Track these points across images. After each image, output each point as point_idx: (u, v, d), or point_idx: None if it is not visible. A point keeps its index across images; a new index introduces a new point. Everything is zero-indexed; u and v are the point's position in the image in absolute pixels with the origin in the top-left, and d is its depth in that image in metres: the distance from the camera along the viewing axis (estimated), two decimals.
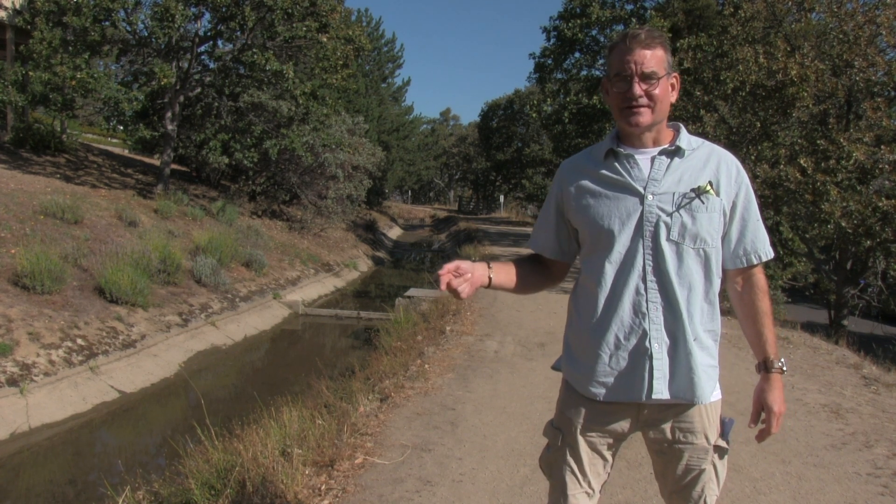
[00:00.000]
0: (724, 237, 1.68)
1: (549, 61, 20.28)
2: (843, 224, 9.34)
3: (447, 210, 51.84)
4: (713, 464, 1.69)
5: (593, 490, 1.74)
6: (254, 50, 14.09)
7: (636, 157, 1.67)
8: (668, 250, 1.61)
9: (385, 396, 4.82)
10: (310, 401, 4.97)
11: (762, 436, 1.72)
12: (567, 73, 20.33)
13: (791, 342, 7.30)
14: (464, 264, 1.63)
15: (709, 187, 1.62)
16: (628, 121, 1.63)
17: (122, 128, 16.52)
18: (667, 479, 1.75)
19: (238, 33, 14.68)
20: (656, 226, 1.61)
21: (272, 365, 10.09)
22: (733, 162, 1.68)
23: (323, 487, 3.23)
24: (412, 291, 11.47)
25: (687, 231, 1.61)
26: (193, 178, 19.56)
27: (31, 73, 12.44)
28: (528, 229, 24.99)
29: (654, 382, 1.61)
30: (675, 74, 1.68)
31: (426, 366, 5.63)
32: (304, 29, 14.42)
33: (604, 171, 1.69)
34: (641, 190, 1.63)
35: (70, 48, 12.63)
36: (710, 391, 1.66)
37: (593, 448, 1.72)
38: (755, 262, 1.70)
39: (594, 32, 19.15)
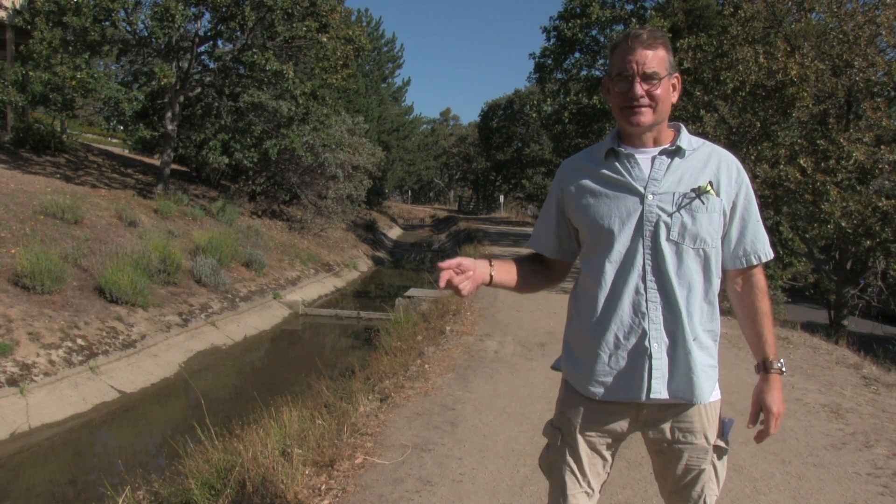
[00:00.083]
0: (724, 238, 1.68)
1: (549, 61, 20.29)
2: (843, 224, 9.34)
3: (447, 210, 51.84)
4: (713, 464, 1.69)
5: (593, 490, 1.74)
6: (254, 50, 14.09)
7: (637, 156, 1.67)
8: (667, 250, 1.61)
9: (385, 396, 4.82)
10: (310, 401, 4.97)
11: (761, 436, 1.72)
12: (567, 73, 20.34)
13: (791, 342, 7.30)
14: (465, 261, 1.62)
15: (709, 187, 1.62)
16: (629, 120, 1.63)
17: (122, 128, 16.52)
18: (666, 479, 1.75)
19: (238, 33, 14.68)
20: (656, 225, 1.61)
21: (272, 365, 10.09)
22: (734, 162, 1.68)
23: (323, 487, 3.23)
24: (412, 291, 11.47)
25: (687, 231, 1.61)
26: (193, 178, 19.57)
27: (31, 73, 12.44)
28: (528, 229, 24.99)
29: (653, 382, 1.61)
30: (677, 75, 1.68)
31: (426, 366, 5.63)
32: (304, 29, 14.42)
33: (604, 171, 1.69)
34: (642, 190, 1.63)
35: (70, 48, 12.64)
36: (710, 391, 1.66)
37: (593, 448, 1.72)
38: (755, 262, 1.70)
39: (594, 32, 19.15)
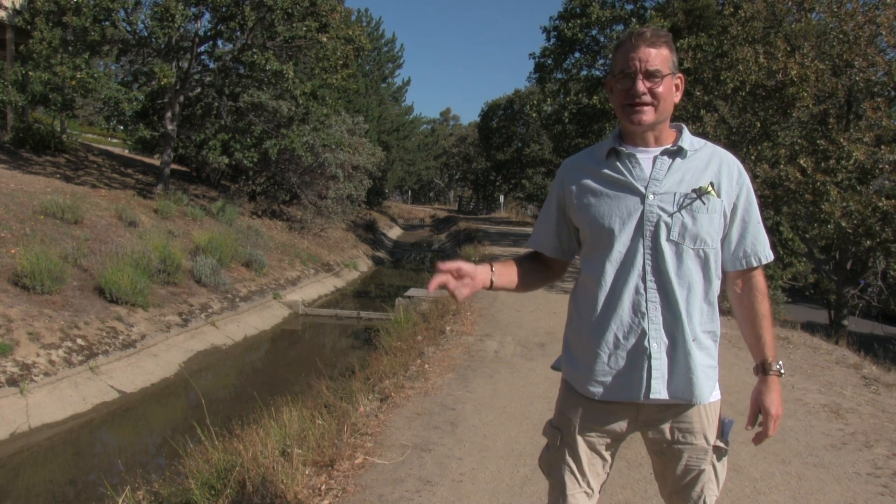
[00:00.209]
0: (725, 239, 1.68)
1: (549, 61, 20.27)
2: (843, 224, 9.33)
3: (447, 210, 51.83)
4: (712, 464, 1.69)
5: (592, 490, 1.73)
6: (254, 50, 14.09)
7: (638, 156, 1.67)
8: (667, 250, 1.61)
9: (385, 396, 4.82)
10: (310, 401, 4.97)
11: (759, 438, 1.72)
12: (567, 73, 20.32)
13: (791, 342, 7.30)
14: (466, 266, 1.61)
15: (710, 188, 1.62)
16: (630, 118, 1.63)
17: (122, 128, 16.53)
18: (666, 479, 1.75)
19: (238, 33, 14.67)
20: (656, 225, 1.61)
21: (272, 365, 10.09)
22: (735, 164, 1.68)
23: (323, 487, 3.23)
24: (412, 291, 11.47)
25: (687, 231, 1.61)
26: (193, 178, 19.57)
27: (31, 73, 12.44)
28: (528, 229, 24.98)
29: (653, 382, 1.61)
30: (680, 75, 1.68)
31: (426, 366, 5.63)
32: (304, 29, 14.42)
33: (605, 170, 1.69)
34: (642, 189, 1.63)
35: (70, 48, 12.64)
36: (709, 392, 1.66)
37: (592, 448, 1.72)
38: (755, 264, 1.70)
39: (594, 32, 19.13)
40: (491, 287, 1.69)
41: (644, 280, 1.62)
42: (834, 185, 9.49)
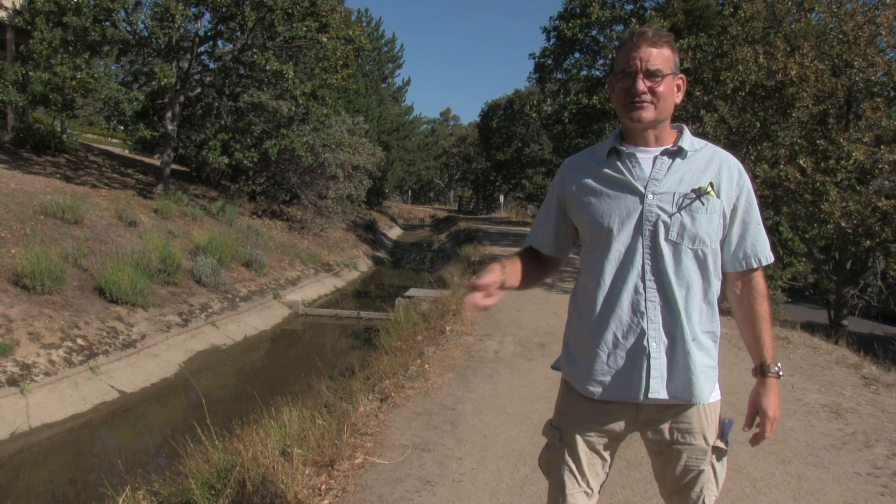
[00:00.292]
0: (724, 240, 1.68)
1: (549, 61, 20.27)
2: (843, 224, 9.33)
3: (447, 210, 51.81)
4: (712, 465, 1.69)
5: (592, 490, 1.74)
6: (254, 50, 14.09)
7: (638, 156, 1.67)
8: (666, 250, 1.61)
9: (385, 396, 4.82)
10: (310, 401, 4.97)
11: (756, 440, 1.72)
12: (567, 74, 20.32)
13: (791, 342, 7.30)
14: (490, 278, 1.58)
15: (709, 189, 1.62)
16: (630, 116, 1.64)
17: (122, 128, 16.53)
18: (666, 479, 1.75)
19: (238, 33, 14.68)
20: (655, 225, 1.62)
21: (272, 365, 10.09)
22: (735, 165, 1.69)
23: (323, 487, 3.23)
24: (412, 291, 11.47)
25: (686, 231, 1.61)
26: (193, 178, 19.57)
27: (31, 73, 12.44)
28: (528, 230, 24.91)
29: (652, 382, 1.62)
30: (682, 76, 1.69)
31: (426, 366, 5.63)
32: (304, 29, 14.42)
33: (605, 170, 1.69)
34: (642, 189, 1.64)
35: (70, 48, 12.64)
36: (709, 392, 1.66)
37: (592, 448, 1.72)
38: (755, 265, 1.70)
39: (594, 32, 19.13)
40: (501, 288, 1.70)
41: (643, 279, 1.62)
42: (834, 185, 9.49)
